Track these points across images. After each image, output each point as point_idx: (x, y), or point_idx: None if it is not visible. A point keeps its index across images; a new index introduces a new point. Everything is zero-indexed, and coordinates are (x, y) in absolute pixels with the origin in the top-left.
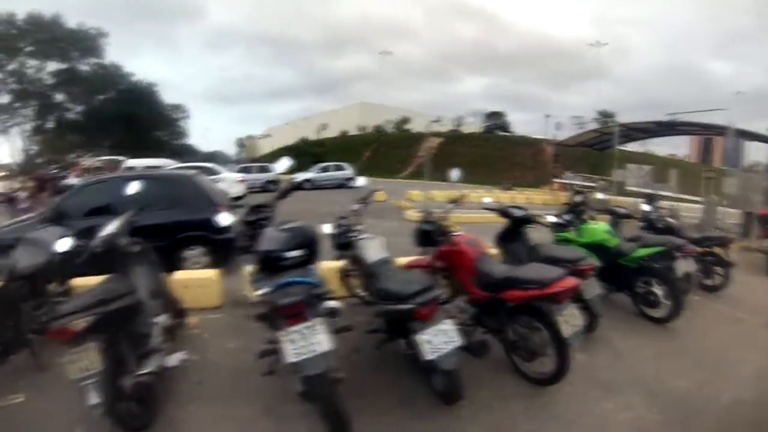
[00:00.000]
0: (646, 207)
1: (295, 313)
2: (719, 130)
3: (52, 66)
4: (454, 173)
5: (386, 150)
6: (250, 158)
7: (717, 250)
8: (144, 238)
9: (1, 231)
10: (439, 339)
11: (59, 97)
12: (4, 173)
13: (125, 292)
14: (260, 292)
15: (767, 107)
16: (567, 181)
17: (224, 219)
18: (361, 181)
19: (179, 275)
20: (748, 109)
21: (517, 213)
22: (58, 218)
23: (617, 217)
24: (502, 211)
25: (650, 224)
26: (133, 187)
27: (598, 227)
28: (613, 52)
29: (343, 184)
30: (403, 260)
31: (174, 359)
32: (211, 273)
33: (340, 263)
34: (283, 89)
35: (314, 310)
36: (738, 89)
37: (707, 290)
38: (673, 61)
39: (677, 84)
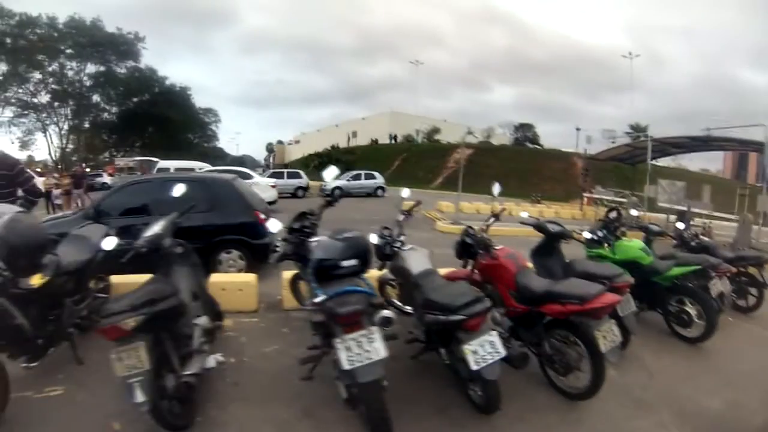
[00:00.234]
0: (680, 225)
1: (352, 322)
2: (756, 147)
3: (91, 68)
4: (496, 187)
5: (416, 160)
6: (279, 163)
7: (751, 270)
8: (181, 239)
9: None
10: (485, 350)
11: (95, 98)
12: (39, 169)
13: (171, 293)
14: (318, 299)
15: None
16: (597, 196)
17: (273, 225)
18: (405, 192)
19: (217, 278)
20: None
21: (554, 228)
22: (98, 216)
23: (651, 235)
24: (539, 226)
25: (684, 242)
26: (178, 190)
27: (633, 244)
28: (647, 61)
29: (372, 193)
30: (441, 271)
31: (211, 361)
32: (248, 277)
33: (379, 273)
34: (314, 95)
35: (370, 319)
36: None
37: (740, 311)
38: (709, 72)
39: (713, 96)
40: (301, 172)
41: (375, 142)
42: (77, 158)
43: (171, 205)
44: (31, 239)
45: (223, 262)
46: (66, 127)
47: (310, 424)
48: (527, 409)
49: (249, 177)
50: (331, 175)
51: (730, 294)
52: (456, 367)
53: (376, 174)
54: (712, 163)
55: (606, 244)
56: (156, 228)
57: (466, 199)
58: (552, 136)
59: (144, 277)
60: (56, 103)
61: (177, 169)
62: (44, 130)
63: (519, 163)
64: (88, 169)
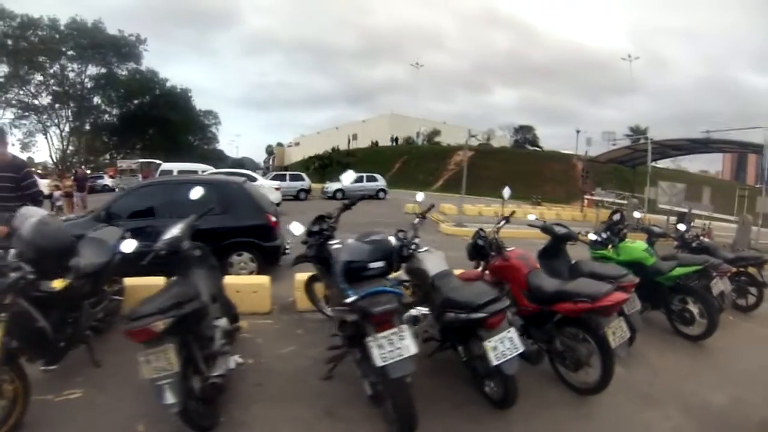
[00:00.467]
0: (681, 226)
1: (384, 320)
2: (755, 148)
3: (92, 70)
4: (506, 191)
5: (416, 162)
6: (279, 166)
7: (751, 270)
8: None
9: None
10: (504, 345)
11: (96, 100)
12: (40, 170)
13: (195, 296)
14: (350, 299)
15: None
16: (597, 198)
17: (295, 228)
18: (419, 196)
19: (231, 280)
20: None
21: (560, 230)
22: (110, 218)
23: (653, 236)
24: (546, 228)
25: (685, 243)
26: (196, 192)
27: (636, 246)
28: (648, 64)
29: (374, 195)
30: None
31: (231, 362)
32: (262, 279)
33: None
34: (314, 98)
35: (399, 318)
36: None
37: (740, 310)
38: (710, 74)
39: (714, 98)
40: (304, 175)
41: (375, 144)
42: (76, 160)
43: (182, 207)
44: (58, 242)
45: (235, 265)
46: (67, 128)
47: (333, 422)
48: (539, 405)
49: (253, 180)
50: (349, 178)
51: (730, 293)
52: (473, 364)
53: (378, 176)
54: (712, 164)
55: (610, 246)
56: (175, 231)
57: (467, 202)
58: (552, 138)
59: (155, 280)
60: (57, 105)
61: (180, 172)
62: (45, 132)
63: (519, 165)
64: (88, 171)
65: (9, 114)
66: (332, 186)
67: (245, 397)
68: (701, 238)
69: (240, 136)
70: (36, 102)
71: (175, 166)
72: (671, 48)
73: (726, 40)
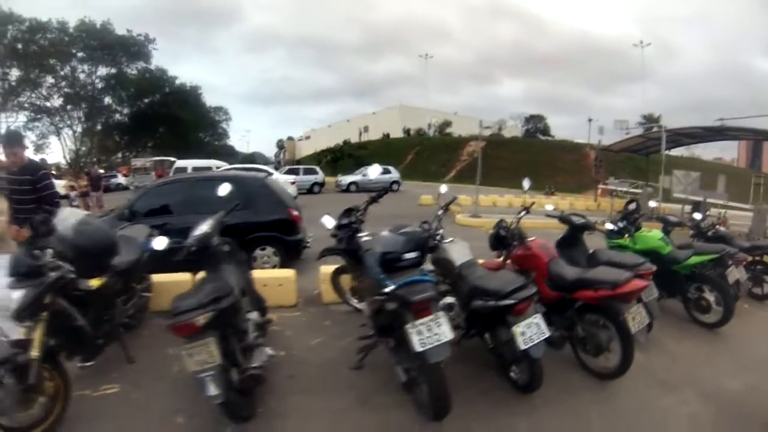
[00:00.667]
0: (697, 215)
1: (423, 308)
2: None
3: (102, 70)
4: (526, 182)
5: (428, 154)
6: (290, 160)
7: (766, 258)
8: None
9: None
10: (532, 330)
11: (107, 100)
12: (54, 171)
13: (230, 291)
14: (388, 289)
15: None
16: (611, 187)
17: (327, 221)
18: (443, 188)
19: (258, 274)
20: None
21: (578, 220)
22: (132, 216)
23: (669, 225)
24: (563, 218)
25: (700, 232)
26: (224, 189)
27: (652, 235)
28: (659, 51)
29: (388, 188)
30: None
31: (265, 354)
32: (287, 272)
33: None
34: (322, 92)
35: (436, 305)
36: None
37: (756, 298)
38: (722, 60)
39: (727, 85)
40: (317, 168)
41: (387, 136)
42: (87, 160)
43: (205, 204)
44: (99, 242)
45: (258, 259)
46: (79, 129)
47: (366, 410)
48: (562, 390)
49: (269, 174)
50: (375, 172)
51: (746, 282)
52: (500, 350)
53: (391, 169)
54: (726, 152)
55: (626, 235)
56: (204, 227)
57: (481, 192)
58: (563, 128)
59: (182, 276)
60: (69, 107)
61: (194, 168)
62: (58, 134)
63: (531, 155)
64: (101, 171)
65: (22, 117)
66: (346, 179)
67: (279, 388)
68: (717, 227)
69: (250, 132)
70: (48, 104)
71: (189, 163)
72: (681, 34)
73: (737, 25)
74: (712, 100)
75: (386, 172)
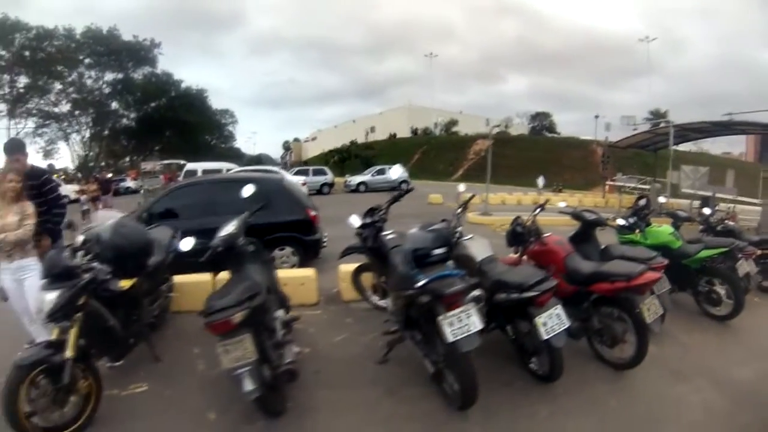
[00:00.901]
0: (706, 210)
1: (454, 301)
2: None
3: (109, 76)
4: (541, 180)
5: (435, 153)
6: (296, 161)
7: None
8: None
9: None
10: (553, 321)
11: (114, 105)
12: (63, 176)
13: (260, 289)
14: (421, 283)
15: None
16: (619, 184)
17: (354, 221)
18: (461, 187)
19: (279, 273)
20: None
21: (590, 216)
22: (150, 219)
23: (678, 220)
24: (576, 215)
25: (710, 227)
26: (248, 190)
27: (663, 230)
28: (665, 45)
29: (396, 187)
30: None
31: (293, 351)
32: (308, 272)
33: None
34: (327, 93)
35: (465, 297)
36: None
37: (765, 291)
38: (729, 54)
39: (734, 78)
40: (326, 169)
41: (393, 136)
42: (95, 164)
43: (224, 205)
44: (137, 242)
45: (277, 259)
46: (87, 134)
47: (394, 402)
48: (580, 380)
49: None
50: (397, 172)
51: (756, 275)
52: (521, 341)
53: (389, 169)
54: (735, 146)
55: (637, 230)
56: (230, 227)
57: (490, 191)
58: (569, 125)
59: (202, 277)
60: (77, 112)
61: (204, 171)
62: (66, 139)
63: (537, 153)
64: (109, 175)
65: (31, 123)
66: (355, 179)
67: (308, 383)
68: (726, 221)
69: (256, 134)
70: (56, 110)
71: (199, 166)
72: (687, 28)
73: (745, 18)
74: (720, 94)
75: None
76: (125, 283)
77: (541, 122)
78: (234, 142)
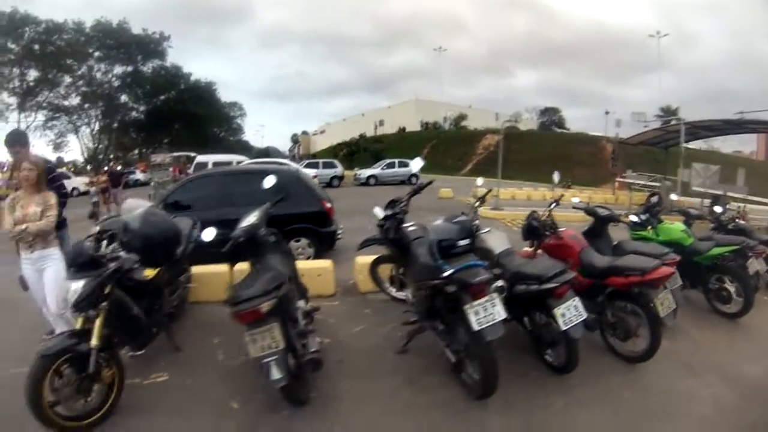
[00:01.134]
0: (718, 208)
1: (480, 290)
2: None
3: (118, 69)
4: (556, 176)
5: (445, 147)
6: (305, 154)
7: None
8: None
9: (107, 223)
10: (571, 312)
11: (124, 97)
12: (72, 169)
13: (285, 279)
14: (447, 273)
15: None
16: (629, 181)
17: (378, 212)
18: (479, 181)
19: (297, 264)
20: None
21: (603, 212)
22: (166, 210)
23: (690, 218)
24: (589, 211)
25: (721, 225)
26: (269, 181)
27: (675, 227)
28: (676, 40)
29: (406, 181)
30: None
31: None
32: (325, 263)
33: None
34: (335, 86)
35: (490, 287)
36: None
37: None
38: (741, 50)
39: (746, 75)
40: (336, 162)
41: (402, 130)
42: (104, 157)
43: (241, 197)
44: (167, 231)
45: (293, 250)
46: (97, 127)
47: (415, 391)
48: (593, 372)
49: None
50: (418, 165)
51: (765, 273)
52: (538, 332)
53: (410, 162)
54: (746, 144)
55: (649, 227)
56: (252, 218)
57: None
58: (578, 120)
59: (219, 268)
60: (86, 105)
61: (215, 163)
62: (76, 132)
63: (546, 148)
64: (118, 168)
65: (40, 116)
66: (364, 172)
67: (329, 372)
68: (737, 220)
69: (264, 126)
70: (66, 103)
71: (209, 158)
72: (698, 23)
73: (759, 13)
74: (732, 91)
75: (404, 165)
76: (149, 273)
77: (551, 117)
78: (242, 135)
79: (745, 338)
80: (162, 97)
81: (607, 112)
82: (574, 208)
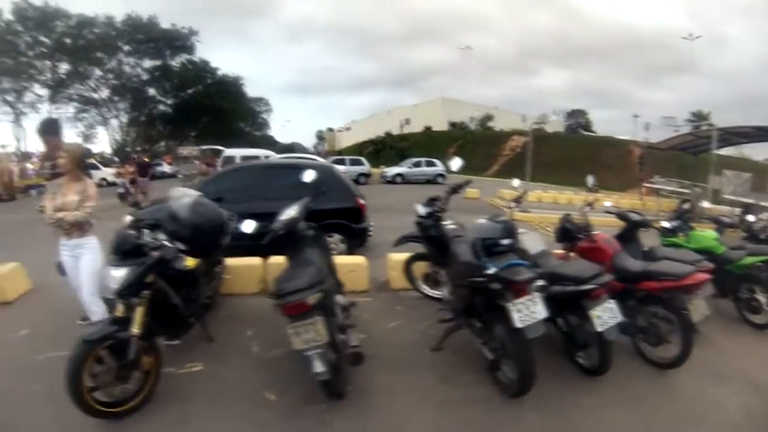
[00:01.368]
0: (750, 217)
1: (523, 288)
2: None
3: (147, 63)
4: (590, 179)
5: (471, 147)
6: (330, 151)
7: None
8: None
9: (145, 212)
10: (607, 314)
11: (152, 91)
12: (99, 160)
13: (327, 273)
14: (491, 271)
15: None
16: (657, 186)
17: (420, 209)
18: (516, 182)
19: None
20: None
21: (635, 217)
22: None
23: (722, 226)
24: (621, 215)
25: (753, 234)
26: (309, 175)
27: (707, 234)
28: (708, 42)
29: (433, 180)
30: None
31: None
32: (359, 259)
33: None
34: (360, 82)
35: (532, 286)
36: None
37: None
38: None
39: None
40: (363, 159)
41: (428, 129)
42: (131, 149)
43: (274, 190)
44: (215, 221)
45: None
46: (125, 119)
47: (450, 387)
48: (622, 376)
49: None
50: (456, 165)
51: None
52: (572, 333)
53: (437, 161)
54: None
55: (680, 234)
56: (291, 212)
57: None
58: (605, 122)
59: (251, 260)
60: (115, 98)
61: (243, 157)
62: (105, 124)
63: (572, 151)
64: (146, 159)
65: (71, 108)
66: (391, 170)
67: (365, 367)
68: None
69: (289, 122)
70: (95, 96)
71: (237, 152)
72: (732, 25)
73: None
74: (765, 96)
75: (430, 164)
76: (190, 263)
77: (577, 120)
78: (268, 130)
79: None
80: (189, 91)
81: (636, 116)
82: (606, 212)
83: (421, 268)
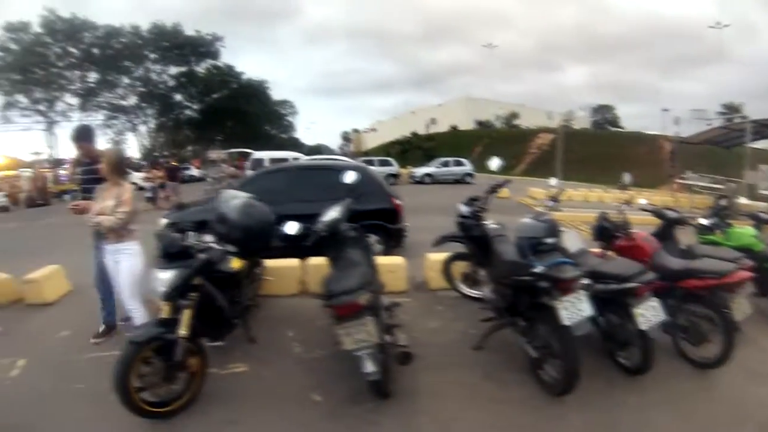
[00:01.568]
0: None
1: (569, 286)
2: None
3: (173, 69)
4: (627, 177)
5: (497, 146)
6: (356, 152)
7: None
8: None
9: (183, 214)
10: (650, 313)
11: (178, 97)
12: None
13: (372, 275)
14: (538, 269)
15: None
16: (690, 182)
17: (463, 209)
18: (553, 181)
19: None
20: None
21: (672, 215)
22: None
23: (760, 222)
24: (658, 213)
25: None
26: (350, 176)
27: (746, 231)
28: (738, 31)
29: (461, 180)
30: None
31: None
32: (398, 260)
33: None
34: (383, 82)
35: (577, 285)
36: None
37: None
38: None
39: None
40: (391, 160)
41: (454, 128)
42: (159, 154)
43: (309, 192)
44: (264, 223)
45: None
46: (152, 125)
47: (494, 385)
48: (662, 376)
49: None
50: (495, 164)
51: None
52: (613, 332)
53: (465, 161)
54: None
55: (718, 231)
56: (333, 213)
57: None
58: (633, 118)
59: (289, 261)
60: (143, 105)
61: (272, 160)
62: (134, 130)
63: (600, 147)
64: (174, 163)
65: (101, 116)
66: (420, 170)
67: (410, 367)
68: None
69: (315, 124)
70: (124, 103)
71: (266, 155)
72: (761, 13)
73: None
74: None
75: (459, 164)
76: (236, 264)
77: (604, 115)
78: (294, 132)
79: None
80: (215, 96)
81: (665, 110)
82: (641, 209)
83: (459, 267)
